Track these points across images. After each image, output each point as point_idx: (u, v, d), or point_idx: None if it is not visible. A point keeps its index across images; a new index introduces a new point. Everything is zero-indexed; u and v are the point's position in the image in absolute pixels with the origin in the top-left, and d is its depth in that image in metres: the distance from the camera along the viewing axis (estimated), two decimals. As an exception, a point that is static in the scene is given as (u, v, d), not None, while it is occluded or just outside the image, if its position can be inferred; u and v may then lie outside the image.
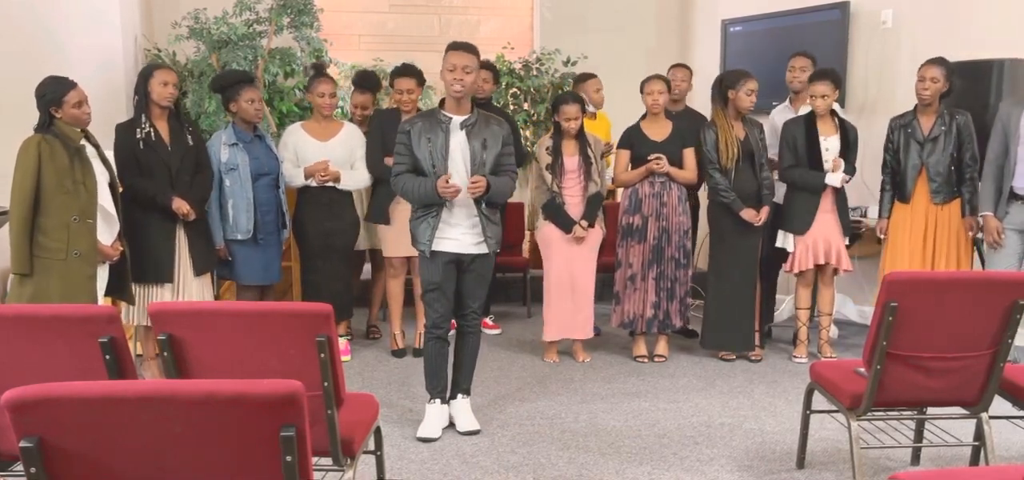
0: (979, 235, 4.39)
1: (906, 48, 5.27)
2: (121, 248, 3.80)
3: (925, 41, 5.20)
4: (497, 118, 3.65)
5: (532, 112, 6.73)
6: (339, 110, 5.64)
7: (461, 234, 3.55)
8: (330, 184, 4.53)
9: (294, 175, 4.53)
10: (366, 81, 5.11)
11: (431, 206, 3.51)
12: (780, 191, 4.75)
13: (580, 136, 4.56)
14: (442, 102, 3.61)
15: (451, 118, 3.52)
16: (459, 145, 3.50)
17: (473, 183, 3.45)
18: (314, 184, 4.52)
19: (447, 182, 3.42)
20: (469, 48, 3.47)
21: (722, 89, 4.55)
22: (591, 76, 5.57)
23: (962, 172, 4.40)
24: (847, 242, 4.69)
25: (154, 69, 4.00)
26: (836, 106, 4.67)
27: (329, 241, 4.60)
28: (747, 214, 4.53)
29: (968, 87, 4.67)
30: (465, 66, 3.43)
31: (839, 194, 4.61)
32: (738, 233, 4.60)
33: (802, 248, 4.63)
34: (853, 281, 5.38)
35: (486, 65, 5.03)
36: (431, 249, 3.52)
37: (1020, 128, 4.17)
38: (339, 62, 6.56)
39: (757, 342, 4.73)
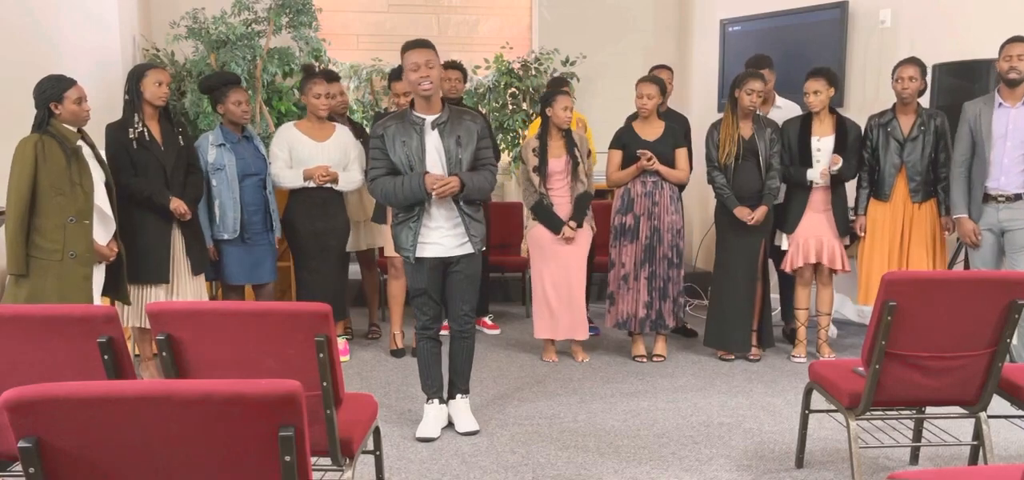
0: (956, 235, 4.41)
1: (904, 48, 5.27)
2: (117, 248, 3.80)
3: (923, 41, 5.20)
4: (470, 113, 3.60)
5: (532, 112, 6.73)
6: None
7: (443, 236, 3.52)
8: (327, 184, 4.54)
9: (289, 177, 4.52)
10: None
11: (412, 209, 3.48)
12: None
13: (566, 135, 4.56)
14: (412, 104, 3.53)
15: (424, 119, 3.47)
16: (434, 144, 3.46)
17: (442, 184, 3.40)
18: (313, 185, 4.52)
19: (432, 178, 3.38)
20: (423, 43, 3.41)
21: (732, 88, 4.58)
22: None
23: (938, 172, 4.45)
24: (848, 242, 4.70)
25: (147, 69, 3.98)
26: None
27: (322, 241, 4.58)
28: (740, 211, 4.53)
29: (966, 87, 4.68)
30: (427, 61, 3.37)
31: (833, 194, 4.62)
32: (738, 232, 4.60)
33: (793, 247, 4.67)
34: (852, 281, 5.38)
35: (454, 65, 5.01)
36: (415, 255, 3.51)
37: (993, 129, 4.18)
38: (337, 62, 6.56)
39: (754, 342, 4.73)
